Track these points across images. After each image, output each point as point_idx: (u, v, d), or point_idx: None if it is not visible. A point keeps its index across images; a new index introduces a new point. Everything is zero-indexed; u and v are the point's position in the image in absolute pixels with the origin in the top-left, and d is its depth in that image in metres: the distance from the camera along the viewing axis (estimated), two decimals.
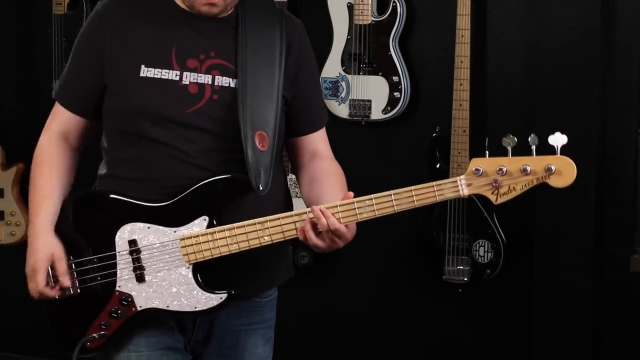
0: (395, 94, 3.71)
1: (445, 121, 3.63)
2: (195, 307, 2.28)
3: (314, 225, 2.20)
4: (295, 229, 2.22)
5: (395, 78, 3.70)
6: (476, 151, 3.59)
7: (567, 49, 3.50)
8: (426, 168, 3.71)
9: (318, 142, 2.45)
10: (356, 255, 3.85)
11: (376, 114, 3.75)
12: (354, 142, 3.85)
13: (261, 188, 2.26)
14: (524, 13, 3.64)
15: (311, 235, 2.21)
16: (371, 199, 2.20)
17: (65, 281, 2.31)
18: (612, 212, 3.58)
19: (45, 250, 2.31)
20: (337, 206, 2.20)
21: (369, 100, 3.75)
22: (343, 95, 3.77)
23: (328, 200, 2.26)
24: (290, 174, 2.81)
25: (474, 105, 3.58)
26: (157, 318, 2.32)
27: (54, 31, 4.05)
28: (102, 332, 2.31)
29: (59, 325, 2.39)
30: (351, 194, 2.23)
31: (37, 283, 2.31)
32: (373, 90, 3.74)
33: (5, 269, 4.39)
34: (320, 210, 2.19)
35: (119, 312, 2.30)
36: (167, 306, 2.29)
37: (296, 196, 3.01)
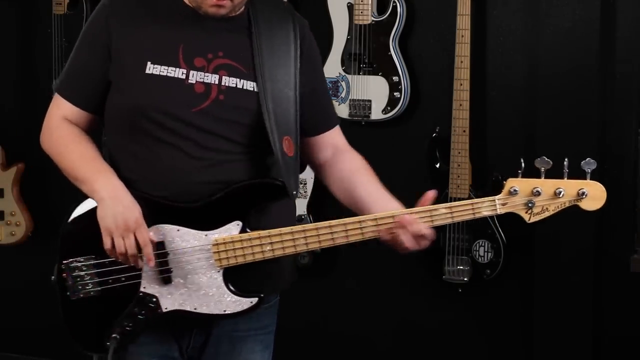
0: (395, 94, 3.71)
1: (445, 121, 3.63)
2: (225, 311, 2.26)
3: (402, 229, 2.26)
4: (332, 238, 2.23)
5: (395, 78, 3.70)
6: (476, 151, 3.59)
7: (567, 49, 3.50)
8: (426, 168, 3.71)
9: (337, 136, 2.47)
10: (356, 255, 3.85)
11: (376, 114, 3.75)
12: (354, 142, 3.80)
13: (295, 193, 2.26)
14: (524, 13, 3.64)
15: (408, 235, 2.27)
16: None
17: (150, 250, 2.21)
18: (612, 212, 3.58)
19: (138, 208, 2.21)
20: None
21: (369, 100, 3.75)
22: (343, 95, 3.77)
23: (376, 202, 2.31)
24: None
25: (474, 105, 3.58)
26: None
27: (54, 31, 4.04)
28: (126, 332, 2.25)
29: (77, 325, 2.32)
30: (432, 193, 2.28)
31: (145, 237, 2.20)
32: (373, 90, 3.73)
33: (5, 269, 4.40)
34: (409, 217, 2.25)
35: (143, 312, 2.26)
36: (195, 309, 2.26)
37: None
